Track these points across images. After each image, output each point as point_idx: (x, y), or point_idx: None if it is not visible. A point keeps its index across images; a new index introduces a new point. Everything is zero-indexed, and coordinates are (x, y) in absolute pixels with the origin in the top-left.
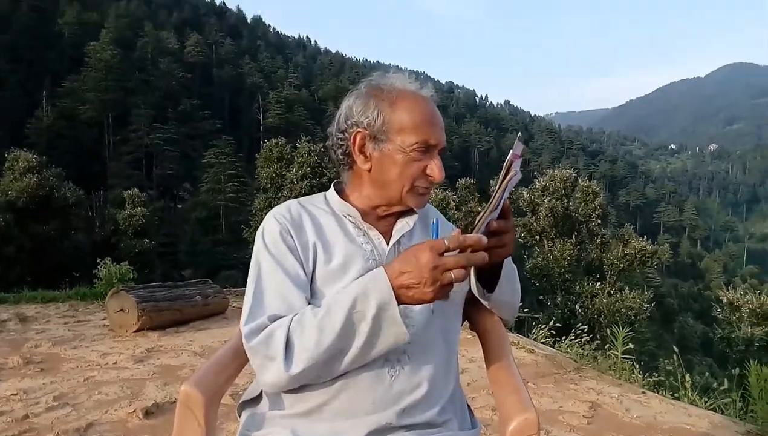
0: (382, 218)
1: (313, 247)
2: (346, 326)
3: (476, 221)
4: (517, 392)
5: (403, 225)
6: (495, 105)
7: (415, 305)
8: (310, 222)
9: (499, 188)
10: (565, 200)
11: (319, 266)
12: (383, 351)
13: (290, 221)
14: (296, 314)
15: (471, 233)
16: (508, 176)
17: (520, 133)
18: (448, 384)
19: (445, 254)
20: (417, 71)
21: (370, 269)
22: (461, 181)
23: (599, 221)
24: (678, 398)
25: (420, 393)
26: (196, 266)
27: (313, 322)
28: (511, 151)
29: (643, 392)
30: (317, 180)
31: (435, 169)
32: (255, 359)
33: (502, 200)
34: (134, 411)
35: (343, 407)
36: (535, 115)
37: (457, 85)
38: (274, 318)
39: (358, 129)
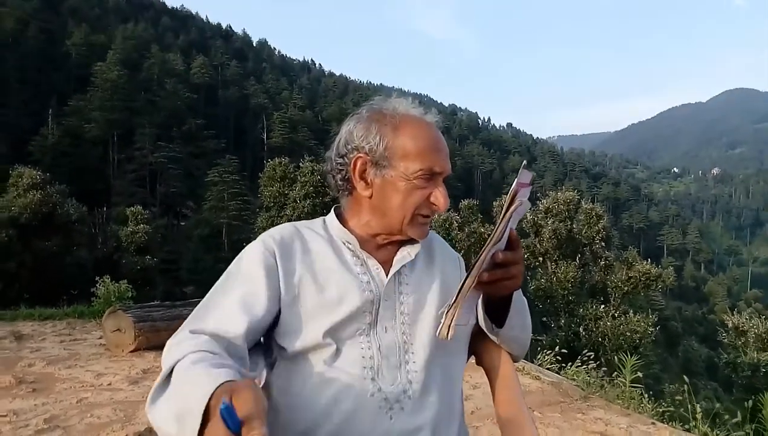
0: (381, 247)
1: (301, 276)
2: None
3: (480, 254)
4: None
5: (404, 255)
6: (497, 127)
7: None
8: (303, 249)
9: (502, 219)
10: (569, 222)
11: (309, 295)
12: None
13: (279, 245)
14: (198, 352)
15: (474, 266)
16: (513, 206)
17: (525, 162)
18: (452, 425)
19: None
20: (420, 94)
21: (367, 300)
22: (464, 202)
23: (603, 244)
24: (689, 430)
25: None
26: (197, 283)
27: (180, 380)
28: (516, 180)
29: (653, 423)
30: (320, 199)
31: (439, 197)
32: (164, 356)
33: (507, 231)
34: None
35: None
36: (537, 137)
37: (460, 108)
38: (203, 332)
39: (359, 154)
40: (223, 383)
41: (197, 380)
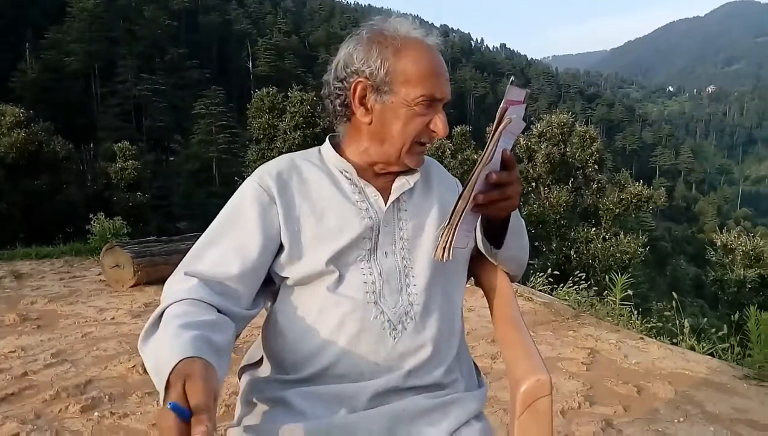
0: (379, 175)
1: (300, 207)
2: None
3: (471, 175)
4: (528, 353)
5: (402, 183)
6: (491, 49)
7: None
8: (300, 180)
9: (491, 138)
10: (562, 146)
11: (308, 226)
12: None
13: (276, 180)
14: (184, 301)
15: (466, 187)
16: (502, 125)
17: (513, 78)
18: (453, 344)
19: None
20: (410, 14)
21: (366, 227)
22: (457, 129)
23: (596, 167)
24: (676, 344)
25: (425, 354)
26: (190, 218)
27: (165, 332)
28: (504, 97)
29: (641, 338)
30: (310, 130)
31: (439, 124)
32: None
33: (495, 151)
34: (134, 366)
35: (346, 372)
36: (532, 58)
37: (452, 29)
38: (196, 275)
39: (359, 78)
40: (179, 362)
41: (168, 344)
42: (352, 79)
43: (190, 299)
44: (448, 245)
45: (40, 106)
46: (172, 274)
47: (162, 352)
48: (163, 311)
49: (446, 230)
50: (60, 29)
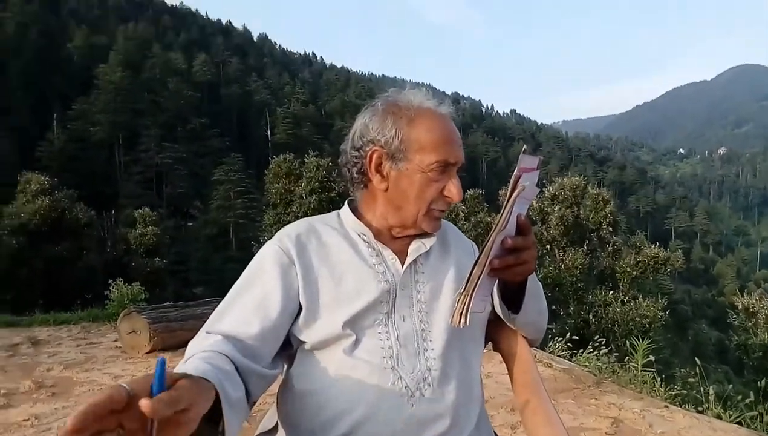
0: (396, 239)
1: (318, 270)
2: None
3: (486, 241)
4: (550, 420)
5: (419, 245)
6: (501, 114)
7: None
8: (318, 243)
9: (506, 205)
10: (575, 208)
11: (326, 289)
12: None
13: (295, 242)
14: (206, 352)
15: (482, 253)
16: (516, 192)
17: (525, 146)
18: (473, 412)
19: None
20: (422, 83)
21: (383, 290)
22: (470, 192)
23: (610, 229)
24: (702, 412)
25: (443, 426)
26: (207, 283)
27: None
28: (517, 165)
29: (666, 406)
30: (326, 194)
31: (453, 189)
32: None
33: (510, 217)
34: None
35: None
36: (542, 123)
37: (463, 96)
38: (218, 333)
39: (375, 147)
40: (187, 375)
41: (183, 368)
42: (368, 148)
43: (212, 351)
44: (465, 311)
45: (65, 175)
46: (195, 336)
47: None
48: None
49: (462, 296)
50: (87, 100)
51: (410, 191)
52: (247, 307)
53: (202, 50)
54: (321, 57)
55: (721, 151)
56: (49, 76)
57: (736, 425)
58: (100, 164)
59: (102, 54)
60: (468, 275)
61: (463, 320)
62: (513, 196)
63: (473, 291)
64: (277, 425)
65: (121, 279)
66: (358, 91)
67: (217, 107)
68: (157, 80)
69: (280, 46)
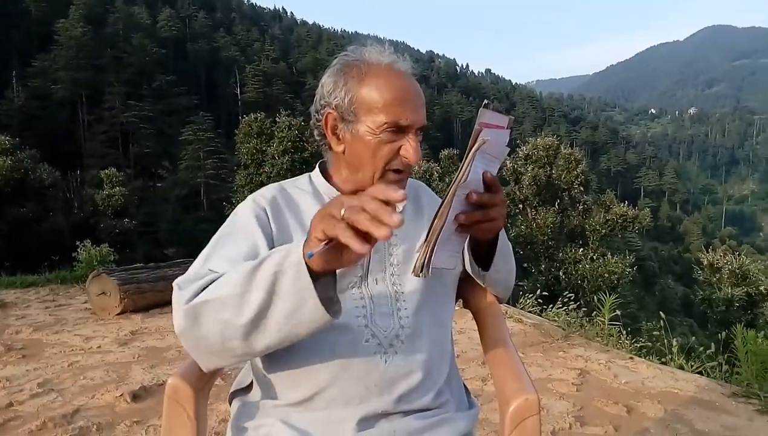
0: None
1: (292, 233)
2: (255, 271)
3: (446, 194)
4: (516, 373)
5: None
6: (476, 74)
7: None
8: (291, 207)
9: (465, 157)
10: (548, 168)
11: None
12: (307, 329)
13: (270, 203)
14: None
15: (442, 205)
16: (476, 146)
17: (487, 101)
18: (444, 367)
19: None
20: (396, 41)
21: None
22: (444, 152)
23: (581, 188)
24: (665, 363)
25: (415, 380)
26: (178, 244)
27: (233, 269)
28: (477, 120)
29: (631, 358)
30: (298, 155)
31: (410, 150)
32: (176, 293)
33: (470, 170)
34: (121, 395)
35: (336, 396)
36: (516, 83)
37: (438, 55)
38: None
39: (329, 110)
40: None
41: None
42: (323, 111)
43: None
44: (426, 261)
45: (26, 134)
46: (184, 276)
47: (269, 256)
48: (206, 286)
49: (424, 247)
50: (47, 57)
51: (364, 154)
52: (233, 253)
53: (167, 4)
54: (291, 12)
55: (692, 111)
56: (6, 31)
57: (697, 375)
58: (62, 123)
59: (62, 8)
60: (429, 226)
61: (424, 271)
62: (473, 150)
63: (435, 242)
64: (252, 382)
65: (89, 241)
66: (330, 48)
67: (184, 64)
68: (120, 36)
69: (248, 0)
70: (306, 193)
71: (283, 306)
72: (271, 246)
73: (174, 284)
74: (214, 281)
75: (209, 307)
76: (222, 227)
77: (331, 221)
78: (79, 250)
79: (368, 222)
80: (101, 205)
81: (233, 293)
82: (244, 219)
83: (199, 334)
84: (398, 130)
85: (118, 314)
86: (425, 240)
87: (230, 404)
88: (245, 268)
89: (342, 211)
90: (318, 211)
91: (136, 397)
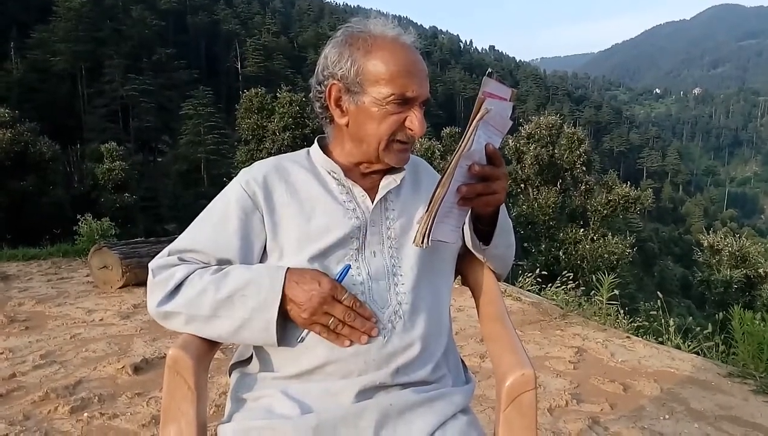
0: (366, 175)
1: (286, 208)
2: (227, 303)
3: (448, 164)
4: (513, 348)
5: (389, 181)
6: (480, 51)
7: (288, 319)
8: (286, 182)
9: (468, 127)
10: (550, 148)
11: (296, 226)
12: (248, 342)
13: (262, 185)
14: (204, 267)
15: (444, 176)
16: (479, 115)
17: (490, 70)
18: (441, 341)
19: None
20: (400, 16)
21: (354, 227)
22: (446, 130)
23: (584, 168)
24: (662, 342)
25: (413, 353)
26: (179, 219)
27: (207, 279)
28: (481, 89)
29: (628, 337)
30: (299, 131)
31: (415, 121)
32: (150, 280)
33: (473, 141)
34: (123, 367)
35: (335, 369)
36: (520, 60)
37: (441, 31)
38: (192, 252)
39: (333, 81)
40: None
41: (249, 270)
42: (327, 82)
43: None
44: (427, 231)
45: (25, 107)
46: (167, 250)
47: (246, 275)
48: (191, 274)
49: (425, 217)
50: (46, 29)
51: (369, 125)
52: (215, 242)
53: None
54: None
55: (696, 91)
56: (4, 2)
57: (694, 355)
58: (62, 96)
59: None
60: (431, 196)
61: (425, 242)
62: (477, 119)
63: (436, 211)
64: (252, 355)
65: (89, 214)
66: (332, 22)
67: (184, 37)
68: (120, 8)
69: None
70: (303, 168)
71: (243, 338)
72: (251, 236)
73: (149, 267)
74: (185, 282)
75: (179, 319)
76: (209, 205)
77: (318, 321)
78: (80, 224)
79: (349, 333)
80: (101, 180)
81: (201, 315)
82: (225, 207)
83: (167, 326)
84: (404, 102)
85: (119, 288)
86: (427, 210)
87: (230, 376)
88: (218, 293)
89: (329, 322)
90: (307, 299)
91: (137, 369)
